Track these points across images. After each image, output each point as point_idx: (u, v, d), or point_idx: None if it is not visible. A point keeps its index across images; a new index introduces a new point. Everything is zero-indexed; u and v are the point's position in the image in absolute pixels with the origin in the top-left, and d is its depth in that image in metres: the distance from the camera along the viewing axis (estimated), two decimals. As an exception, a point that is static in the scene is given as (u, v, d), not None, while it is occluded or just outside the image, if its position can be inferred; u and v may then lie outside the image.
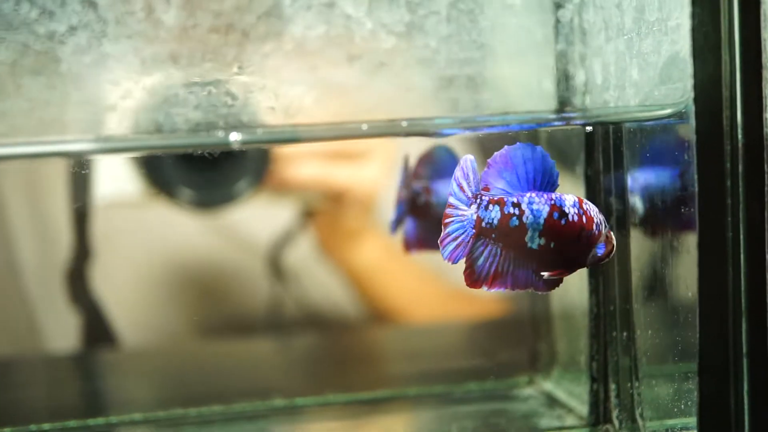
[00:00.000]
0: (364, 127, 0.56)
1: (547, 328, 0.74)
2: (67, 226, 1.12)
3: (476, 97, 0.65)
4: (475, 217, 0.54)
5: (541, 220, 0.55)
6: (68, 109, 0.54)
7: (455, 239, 0.54)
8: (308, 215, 1.18)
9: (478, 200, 0.54)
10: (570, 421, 0.69)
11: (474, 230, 0.54)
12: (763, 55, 0.56)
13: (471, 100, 0.65)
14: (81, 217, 1.12)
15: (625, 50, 0.62)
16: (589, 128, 0.65)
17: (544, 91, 0.66)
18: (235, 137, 0.53)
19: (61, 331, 1.16)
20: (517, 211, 0.55)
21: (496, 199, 0.54)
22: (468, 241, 0.54)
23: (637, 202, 0.63)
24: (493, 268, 0.55)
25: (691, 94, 0.56)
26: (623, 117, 0.62)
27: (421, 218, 0.69)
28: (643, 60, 0.60)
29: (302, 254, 1.21)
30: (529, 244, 0.55)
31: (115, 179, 1.14)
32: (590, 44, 0.64)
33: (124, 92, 0.57)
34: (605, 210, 0.65)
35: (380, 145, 1.10)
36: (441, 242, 0.54)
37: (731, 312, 0.57)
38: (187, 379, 0.91)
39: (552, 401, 0.72)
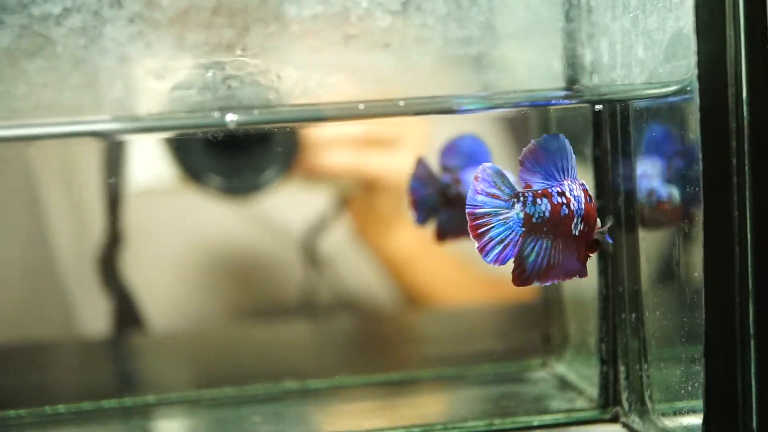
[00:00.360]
0: (361, 106, 0.55)
1: (560, 310, 0.73)
2: (101, 211, 1.13)
3: (483, 78, 0.64)
4: (522, 215, 0.53)
5: (582, 205, 0.55)
6: (67, 93, 0.54)
7: (501, 241, 0.53)
8: (344, 202, 1.19)
9: (522, 198, 0.53)
10: (580, 403, 0.68)
11: (523, 228, 0.53)
12: (769, 30, 0.55)
13: (478, 80, 0.64)
14: (114, 202, 1.13)
15: (631, 28, 0.61)
16: (598, 107, 0.64)
17: (552, 71, 0.65)
18: (231, 118, 0.53)
19: (93, 315, 1.17)
20: (564, 200, 0.54)
21: (541, 192, 0.54)
22: (517, 240, 0.53)
23: (644, 183, 0.62)
24: (545, 263, 0.54)
25: (695, 71, 0.55)
26: (627, 95, 0.61)
27: (452, 209, 0.68)
28: (649, 38, 0.59)
29: (337, 241, 1.21)
30: (573, 231, 0.55)
31: (148, 166, 1.16)
32: (597, 23, 0.63)
33: (125, 74, 0.57)
34: (613, 190, 0.64)
35: (413, 130, 1.10)
36: (483, 249, 0.53)
37: (738, 292, 0.56)
38: (216, 362, 0.92)
39: (564, 384, 0.72)
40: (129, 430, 0.71)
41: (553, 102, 0.62)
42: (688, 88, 0.56)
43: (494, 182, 0.53)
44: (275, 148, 1.08)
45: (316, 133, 1.08)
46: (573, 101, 0.62)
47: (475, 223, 0.53)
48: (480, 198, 0.53)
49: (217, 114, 0.53)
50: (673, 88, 0.57)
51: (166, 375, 0.90)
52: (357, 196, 1.16)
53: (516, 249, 0.53)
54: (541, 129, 0.72)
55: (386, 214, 1.16)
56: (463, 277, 1.17)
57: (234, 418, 0.71)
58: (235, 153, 1.07)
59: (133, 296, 1.16)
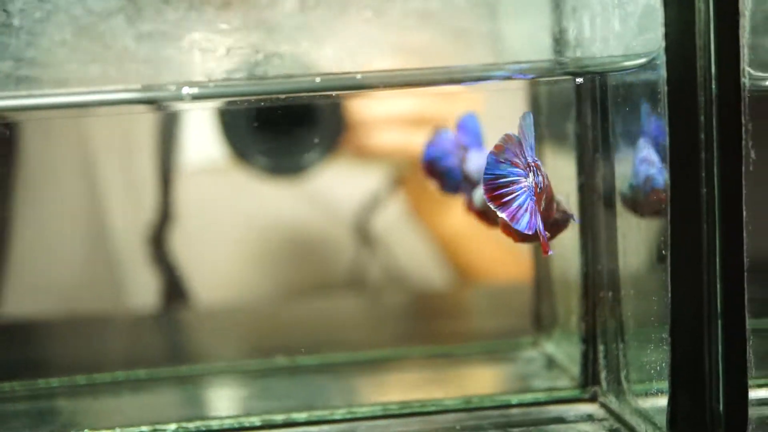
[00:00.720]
0: (321, 78, 0.56)
1: (549, 289, 0.73)
2: (154, 188, 1.16)
3: (468, 53, 0.64)
4: (533, 184, 0.53)
5: (547, 181, 0.55)
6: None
7: (527, 209, 0.53)
8: (397, 180, 1.19)
9: (532, 168, 0.53)
10: (563, 382, 0.67)
11: (535, 197, 0.53)
12: (740, 1, 0.54)
13: (464, 54, 0.64)
14: (166, 180, 1.16)
15: (609, 1, 0.60)
16: (579, 80, 0.63)
17: (542, 46, 0.64)
18: (187, 91, 0.54)
19: (143, 290, 1.20)
20: (544, 173, 0.54)
21: (535, 163, 0.54)
22: (534, 208, 0.53)
23: (621, 160, 0.61)
24: (546, 232, 0.54)
25: (663, 43, 0.54)
26: (596, 69, 0.60)
27: (470, 183, 0.68)
28: (623, 10, 0.58)
29: (390, 219, 1.21)
30: (541, 206, 0.54)
31: (200, 145, 1.18)
32: (579, -4, 0.62)
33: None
34: (592, 168, 0.63)
35: (465, 108, 1.09)
36: (514, 217, 0.52)
37: (705, 271, 0.55)
38: (263, 338, 0.93)
39: (551, 362, 0.71)
40: (182, 397, 0.74)
41: (522, 76, 0.61)
42: (657, 62, 0.54)
43: (516, 152, 0.53)
44: (320, 128, 1.08)
45: (364, 112, 1.09)
46: (531, 75, 0.62)
47: (500, 191, 0.52)
48: (504, 167, 0.52)
49: (173, 87, 0.54)
50: (641, 60, 0.56)
51: (215, 349, 0.92)
52: (410, 175, 1.16)
53: (537, 217, 0.53)
54: (532, 104, 0.71)
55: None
56: (514, 253, 1.17)
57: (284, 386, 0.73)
58: (279, 133, 1.08)
59: (181, 273, 1.19)
